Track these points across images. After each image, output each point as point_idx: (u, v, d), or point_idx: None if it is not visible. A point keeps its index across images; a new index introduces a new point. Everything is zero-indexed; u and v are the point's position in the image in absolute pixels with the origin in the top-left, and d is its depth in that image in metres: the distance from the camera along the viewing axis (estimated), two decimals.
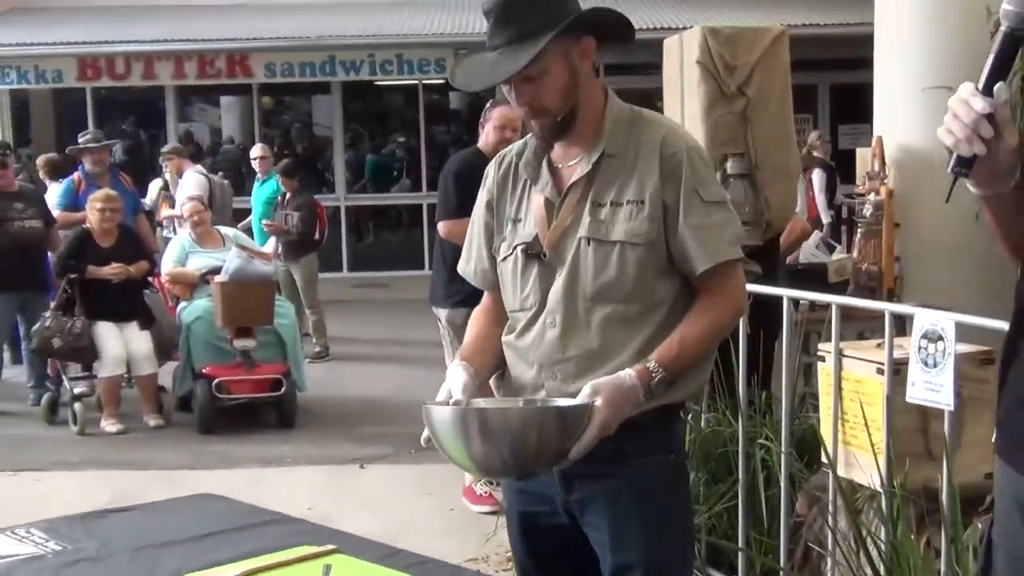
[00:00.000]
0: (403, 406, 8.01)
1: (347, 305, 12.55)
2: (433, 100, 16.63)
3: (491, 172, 2.61)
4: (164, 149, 11.28)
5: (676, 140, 2.42)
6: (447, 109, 17.44)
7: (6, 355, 9.24)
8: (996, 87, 1.78)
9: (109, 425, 7.65)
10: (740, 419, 4.01)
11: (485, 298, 2.67)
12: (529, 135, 2.52)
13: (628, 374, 2.28)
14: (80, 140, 9.21)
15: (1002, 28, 1.81)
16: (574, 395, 2.30)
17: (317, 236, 10.33)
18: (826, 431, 3.66)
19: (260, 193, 10.82)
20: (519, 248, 2.46)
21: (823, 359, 3.68)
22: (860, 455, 3.45)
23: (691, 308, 2.41)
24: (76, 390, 7.78)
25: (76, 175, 9.12)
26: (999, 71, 1.79)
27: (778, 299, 3.83)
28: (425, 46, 14.50)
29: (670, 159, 2.37)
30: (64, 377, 7.92)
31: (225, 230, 8.72)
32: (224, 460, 6.88)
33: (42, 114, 17.07)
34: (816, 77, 14.48)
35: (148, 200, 10.46)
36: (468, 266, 2.65)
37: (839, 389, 3.57)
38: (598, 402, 2.23)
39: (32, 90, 15.93)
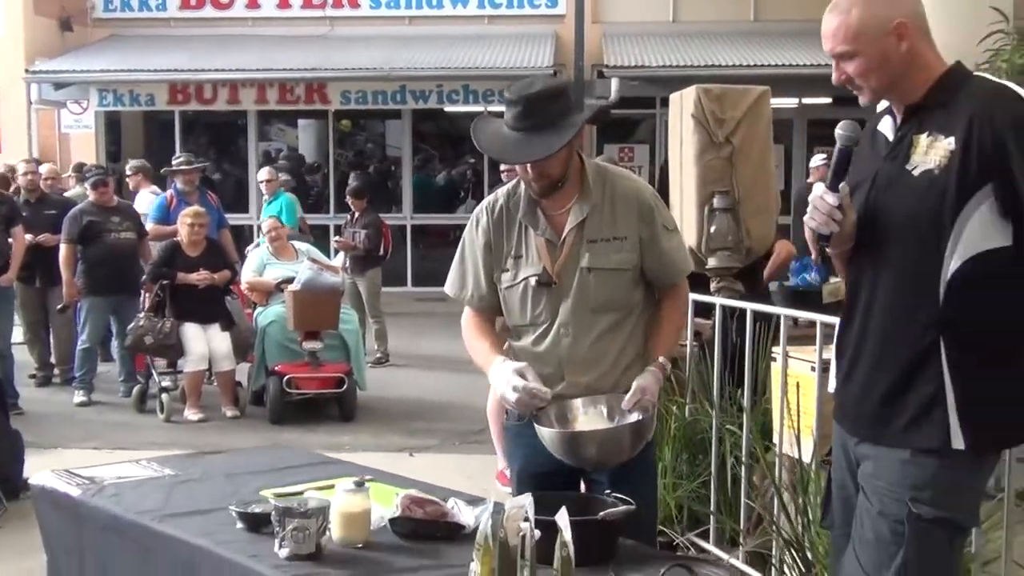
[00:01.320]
0: (450, 405, 9.00)
1: (409, 317, 13.41)
2: None
3: (483, 217, 3.30)
4: (127, 167, 12.09)
5: (644, 189, 3.31)
6: None
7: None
8: (840, 186, 2.67)
9: (192, 414, 8.61)
10: (714, 410, 4.87)
11: (473, 316, 3.37)
12: (508, 187, 3.32)
13: (655, 373, 3.17)
14: (173, 163, 10.21)
15: (838, 145, 2.70)
16: (589, 383, 3.18)
17: (382, 252, 11.28)
18: (776, 418, 4.51)
19: (267, 212, 11.41)
20: (531, 278, 3.24)
21: (775, 359, 4.53)
22: (800, 434, 4.29)
23: (663, 308, 3.31)
24: (163, 383, 8.74)
25: (169, 193, 10.09)
26: (840, 174, 2.70)
27: (755, 314, 4.69)
28: (490, 78, 15.45)
29: (643, 204, 3.25)
30: (153, 371, 8.90)
31: (299, 245, 9.69)
32: (300, 449, 7.78)
33: (133, 134, 18.27)
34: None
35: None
36: (463, 292, 3.35)
37: (785, 384, 4.41)
38: (650, 398, 3.11)
39: (124, 112, 17.10)
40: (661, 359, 3.23)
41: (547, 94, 3.10)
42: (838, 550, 2.89)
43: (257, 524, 2.91)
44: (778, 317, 4.57)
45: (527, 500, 2.49)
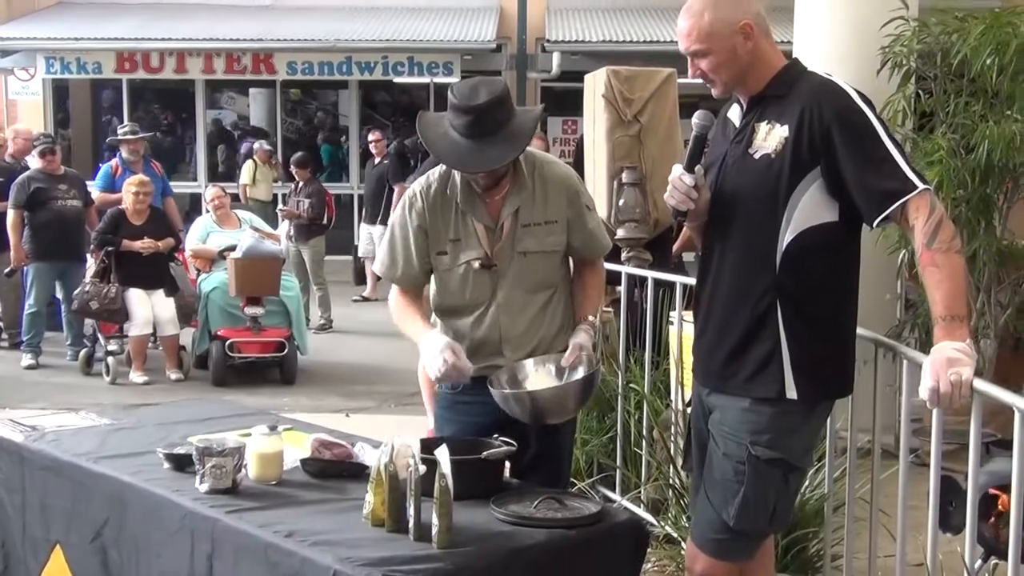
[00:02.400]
0: (389, 370, 9.32)
1: (353, 285, 13.69)
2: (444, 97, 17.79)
3: (417, 201, 3.43)
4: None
5: (570, 174, 3.58)
6: None
7: None
8: (696, 168, 3.03)
9: (136, 377, 8.90)
10: (620, 372, 5.25)
11: (401, 293, 3.53)
12: (441, 170, 3.47)
13: (587, 330, 3.45)
14: (119, 132, 10.42)
15: (693, 132, 3.06)
16: (529, 354, 3.41)
17: (325, 221, 11.58)
18: (673, 377, 4.90)
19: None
20: (474, 262, 3.45)
21: (672, 324, 4.92)
22: (688, 392, 4.68)
23: (584, 277, 3.61)
24: (109, 347, 9.00)
25: (114, 162, 10.29)
26: (696, 157, 3.07)
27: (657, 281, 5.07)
28: (435, 51, 15.72)
29: (570, 189, 3.51)
30: (99, 335, 9.16)
31: (242, 214, 9.98)
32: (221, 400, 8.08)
33: (81, 101, 18.36)
34: None
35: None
36: (394, 271, 3.50)
37: (681, 346, 4.80)
38: (588, 351, 3.39)
39: (73, 79, 17.20)
40: (591, 318, 3.52)
41: (493, 103, 3.28)
42: (695, 490, 3.28)
43: (181, 464, 3.26)
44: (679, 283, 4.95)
45: (414, 441, 2.85)
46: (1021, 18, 5.65)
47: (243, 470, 3.14)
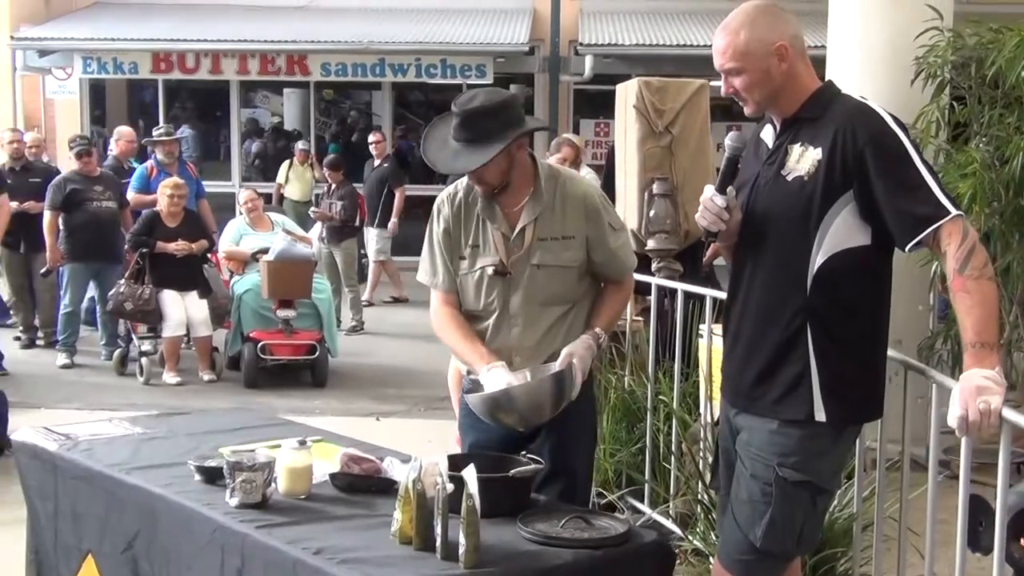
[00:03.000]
0: (420, 373, 9.35)
1: (386, 286, 13.62)
2: None
3: (444, 208, 3.54)
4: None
5: (591, 192, 3.60)
6: None
7: None
8: (728, 189, 3.03)
9: (170, 377, 8.97)
10: (649, 383, 5.25)
11: (445, 297, 3.57)
12: (467, 180, 3.52)
13: (586, 339, 3.47)
14: (154, 133, 10.52)
15: (726, 154, 3.06)
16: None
17: (357, 223, 11.63)
18: (702, 390, 4.89)
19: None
20: (488, 268, 3.52)
21: (702, 336, 4.92)
22: (719, 403, 4.67)
23: (607, 292, 3.63)
24: (143, 347, 9.07)
25: (149, 163, 10.36)
26: (728, 178, 3.07)
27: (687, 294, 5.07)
28: (468, 53, 15.74)
29: (590, 206, 3.54)
30: (133, 336, 9.26)
31: (275, 216, 10.03)
32: (264, 410, 8.15)
33: (117, 100, 18.52)
34: None
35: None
36: (435, 279, 3.58)
37: (710, 359, 4.79)
38: (576, 360, 3.41)
39: (109, 79, 17.33)
40: (597, 329, 3.52)
41: (484, 110, 3.34)
42: (723, 509, 3.28)
43: (212, 477, 3.29)
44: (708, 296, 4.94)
45: (441, 459, 2.87)
46: None
47: (273, 484, 3.17)
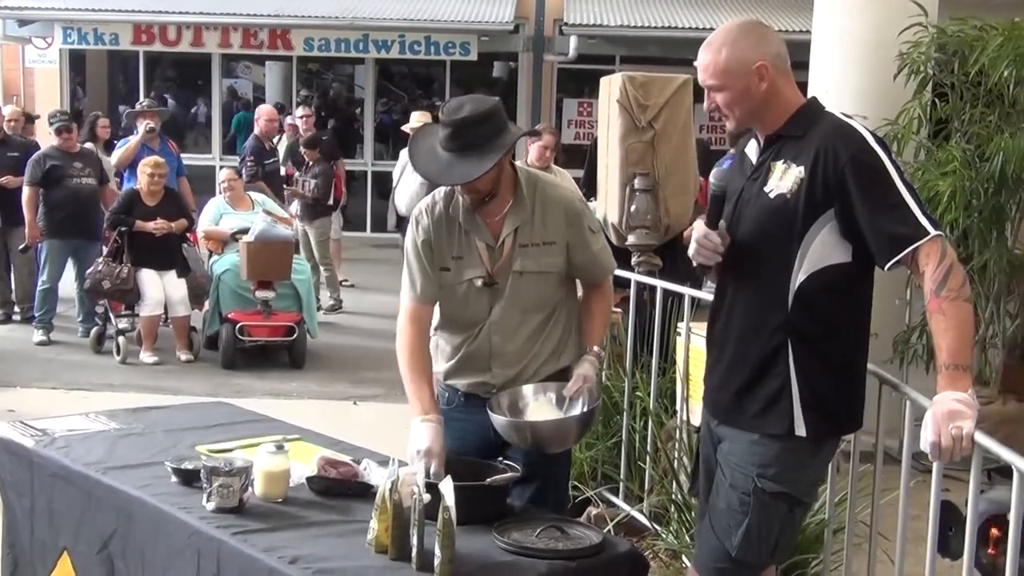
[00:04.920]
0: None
1: (365, 263, 13.71)
2: (461, 76, 17.74)
3: (423, 219, 3.47)
4: None
5: (571, 196, 3.59)
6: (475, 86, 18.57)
7: None
8: (719, 223, 3.03)
9: (147, 356, 8.95)
10: (626, 378, 5.27)
11: (415, 310, 3.50)
12: (446, 190, 3.50)
13: (592, 361, 3.48)
14: (137, 106, 10.46)
15: (711, 191, 3.07)
16: (513, 376, 3.45)
17: (331, 202, 11.58)
18: (679, 387, 4.91)
19: None
20: (475, 279, 3.49)
21: (680, 334, 4.93)
22: (695, 404, 4.70)
23: (592, 302, 3.63)
24: (120, 325, 9.05)
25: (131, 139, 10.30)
26: (717, 214, 3.06)
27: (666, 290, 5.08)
28: (452, 31, 15.67)
29: (570, 211, 3.52)
30: (111, 314, 9.21)
31: (255, 196, 9.97)
32: (241, 391, 8.08)
33: (98, 71, 18.37)
34: None
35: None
36: (413, 290, 3.50)
37: (687, 357, 4.82)
38: (592, 386, 3.41)
39: (89, 50, 17.19)
40: (596, 348, 3.54)
41: (473, 119, 3.29)
42: (701, 515, 3.31)
43: (188, 479, 3.29)
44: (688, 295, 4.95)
45: (419, 468, 2.87)
46: None
47: (249, 488, 3.17)
